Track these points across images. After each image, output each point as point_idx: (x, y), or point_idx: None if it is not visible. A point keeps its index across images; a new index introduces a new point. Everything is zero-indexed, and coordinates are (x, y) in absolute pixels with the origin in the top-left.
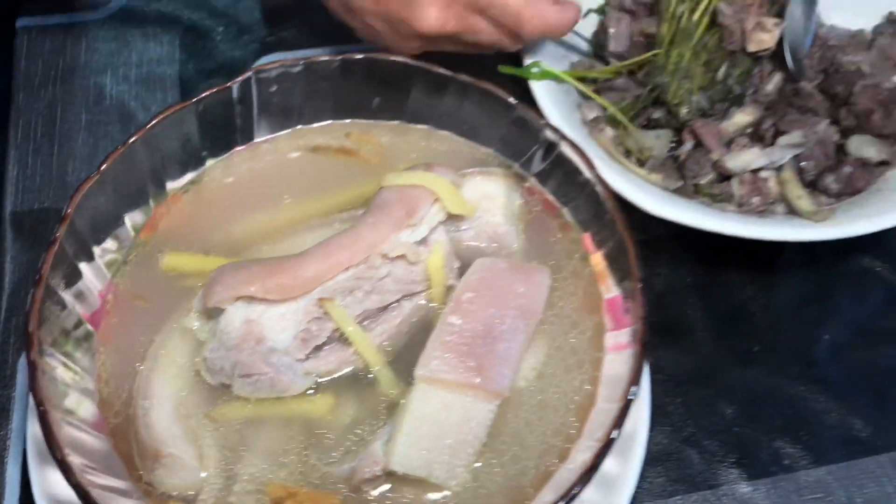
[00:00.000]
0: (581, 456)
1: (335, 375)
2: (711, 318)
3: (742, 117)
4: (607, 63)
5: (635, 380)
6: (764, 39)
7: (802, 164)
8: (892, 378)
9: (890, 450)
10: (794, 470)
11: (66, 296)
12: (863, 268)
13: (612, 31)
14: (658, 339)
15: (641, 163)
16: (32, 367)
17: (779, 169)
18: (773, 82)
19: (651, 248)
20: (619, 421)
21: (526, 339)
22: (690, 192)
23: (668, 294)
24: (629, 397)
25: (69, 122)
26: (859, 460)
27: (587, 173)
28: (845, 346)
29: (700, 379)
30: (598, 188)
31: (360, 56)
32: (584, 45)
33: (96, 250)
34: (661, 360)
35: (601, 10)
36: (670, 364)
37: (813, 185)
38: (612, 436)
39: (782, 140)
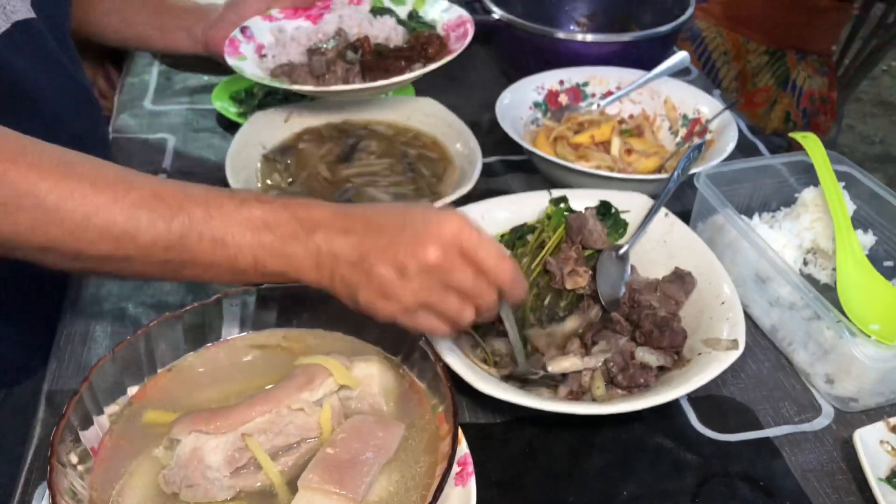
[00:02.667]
0: None
1: (249, 489)
2: (540, 476)
3: (564, 328)
4: None
5: (440, 486)
6: (578, 281)
7: (609, 365)
8: None
9: None
10: None
11: (81, 433)
12: (657, 444)
13: None
14: (497, 490)
15: (496, 364)
16: (51, 468)
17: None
18: (594, 312)
19: (505, 426)
20: None
21: (378, 466)
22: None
23: (511, 458)
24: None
25: (98, 332)
26: None
27: (433, 361)
28: (637, 499)
29: None
30: (440, 371)
31: (294, 286)
32: None
33: (105, 409)
34: None
35: None
36: None
37: (612, 382)
38: None
39: (595, 348)
